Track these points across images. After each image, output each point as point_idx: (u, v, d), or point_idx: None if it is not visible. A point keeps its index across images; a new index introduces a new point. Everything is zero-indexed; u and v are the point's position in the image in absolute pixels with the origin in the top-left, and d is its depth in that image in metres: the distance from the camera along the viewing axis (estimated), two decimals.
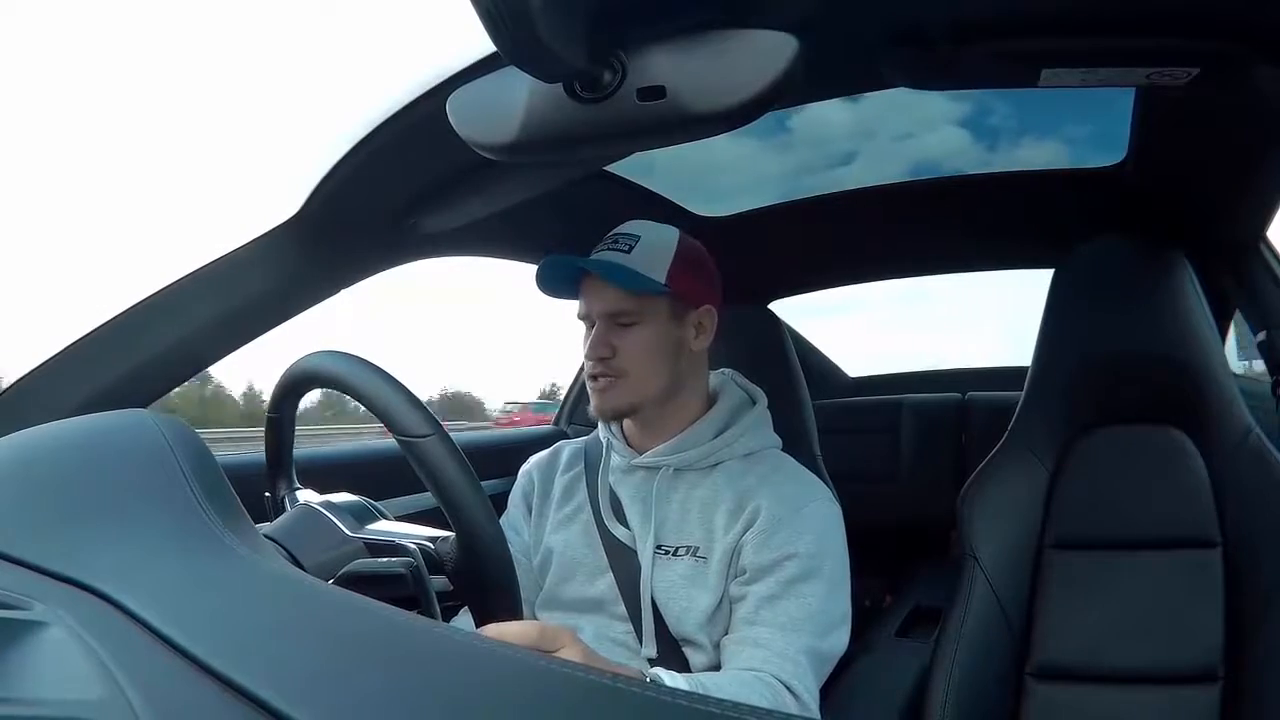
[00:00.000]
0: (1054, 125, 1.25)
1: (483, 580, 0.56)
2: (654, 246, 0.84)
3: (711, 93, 0.42)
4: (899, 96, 0.77)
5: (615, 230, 0.86)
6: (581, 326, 0.88)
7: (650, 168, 1.19)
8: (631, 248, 0.83)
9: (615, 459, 0.90)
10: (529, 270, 0.87)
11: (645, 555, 0.82)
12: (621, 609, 0.82)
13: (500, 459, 1.26)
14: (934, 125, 1.28)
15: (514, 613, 0.57)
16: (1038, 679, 0.91)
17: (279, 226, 0.82)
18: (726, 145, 1.24)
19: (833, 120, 1.27)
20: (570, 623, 0.84)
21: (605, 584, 0.84)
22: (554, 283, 0.86)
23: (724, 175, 1.37)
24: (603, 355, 0.83)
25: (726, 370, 0.94)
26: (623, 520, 0.86)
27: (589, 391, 0.86)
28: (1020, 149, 1.26)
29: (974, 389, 1.78)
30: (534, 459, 0.99)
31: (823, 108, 1.12)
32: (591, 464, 0.92)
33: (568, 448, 0.97)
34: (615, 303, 0.83)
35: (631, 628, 0.82)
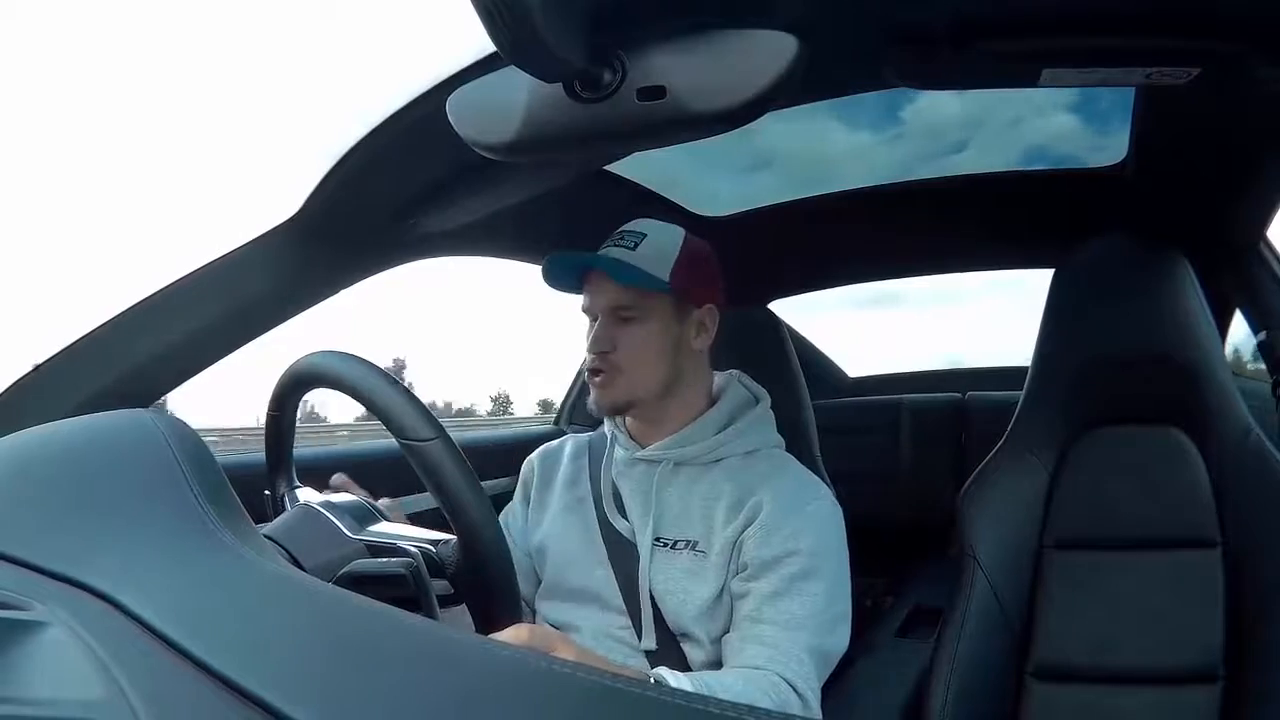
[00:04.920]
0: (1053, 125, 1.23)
1: (484, 584, 0.57)
2: (659, 245, 0.85)
3: (711, 93, 0.42)
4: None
5: (623, 227, 0.87)
6: (582, 325, 0.88)
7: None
8: (637, 245, 0.84)
9: (619, 452, 0.91)
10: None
11: (644, 547, 0.83)
12: (619, 602, 0.83)
13: (501, 459, 1.26)
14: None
15: (515, 616, 0.57)
16: (1038, 679, 0.91)
17: (279, 226, 0.82)
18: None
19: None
20: (569, 614, 0.85)
21: (603, 576, 0.84)
22: (559, 277, 0.88)
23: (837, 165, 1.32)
24: (602, 349, 0.84)
25: (734, 371, 0.94)
26: (624, 513, 0.87)
27: (590, 386, 0.87)
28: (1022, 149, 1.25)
29: (974, 389, 1.78)
30: (540, 448, 1.00)
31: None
32: (595, 457, 0.93)
33: (573, 440, 0.98)
34: (616, 297, 0.84)
35: (629, 622, 0.82)
